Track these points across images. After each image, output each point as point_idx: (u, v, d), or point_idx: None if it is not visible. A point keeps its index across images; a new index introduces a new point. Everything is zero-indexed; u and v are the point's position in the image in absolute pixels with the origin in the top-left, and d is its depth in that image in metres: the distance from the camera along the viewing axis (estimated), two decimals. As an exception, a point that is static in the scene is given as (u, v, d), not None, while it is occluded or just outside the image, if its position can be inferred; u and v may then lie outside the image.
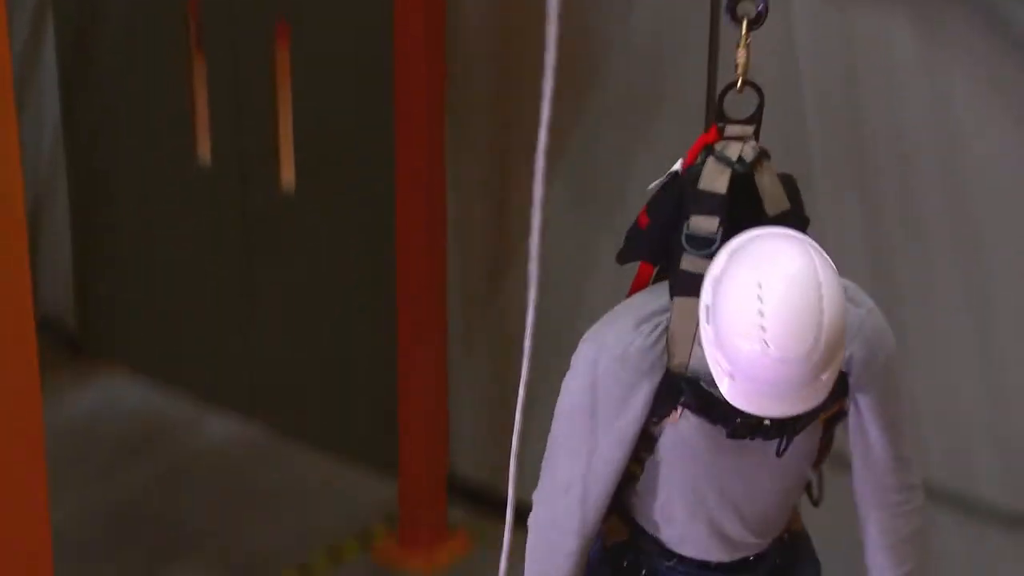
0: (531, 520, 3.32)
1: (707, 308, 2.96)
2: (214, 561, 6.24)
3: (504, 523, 2.88)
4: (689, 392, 3.13)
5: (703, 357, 3.04)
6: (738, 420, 3.09)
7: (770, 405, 2.96)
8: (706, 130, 3.27)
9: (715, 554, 3.38)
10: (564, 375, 3.24)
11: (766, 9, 3.15)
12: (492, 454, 6.34)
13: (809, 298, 2.87)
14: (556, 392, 3.25)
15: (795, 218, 3.17)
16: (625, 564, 3.45)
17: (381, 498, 6.55)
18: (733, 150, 3.15)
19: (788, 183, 3.20)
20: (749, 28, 3.15)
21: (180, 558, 6.25)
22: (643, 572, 3.44)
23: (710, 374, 3.01)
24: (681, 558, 3.39)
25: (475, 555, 6.27)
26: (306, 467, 6.84)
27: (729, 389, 2.97)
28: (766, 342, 2.86)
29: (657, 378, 3.13)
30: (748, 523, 3.34)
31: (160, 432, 7.06)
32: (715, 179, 3.12)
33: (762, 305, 2.86)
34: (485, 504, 6.39)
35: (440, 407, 6.25)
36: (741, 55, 3.16)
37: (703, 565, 3.39)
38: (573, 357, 3.20)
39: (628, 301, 3.25)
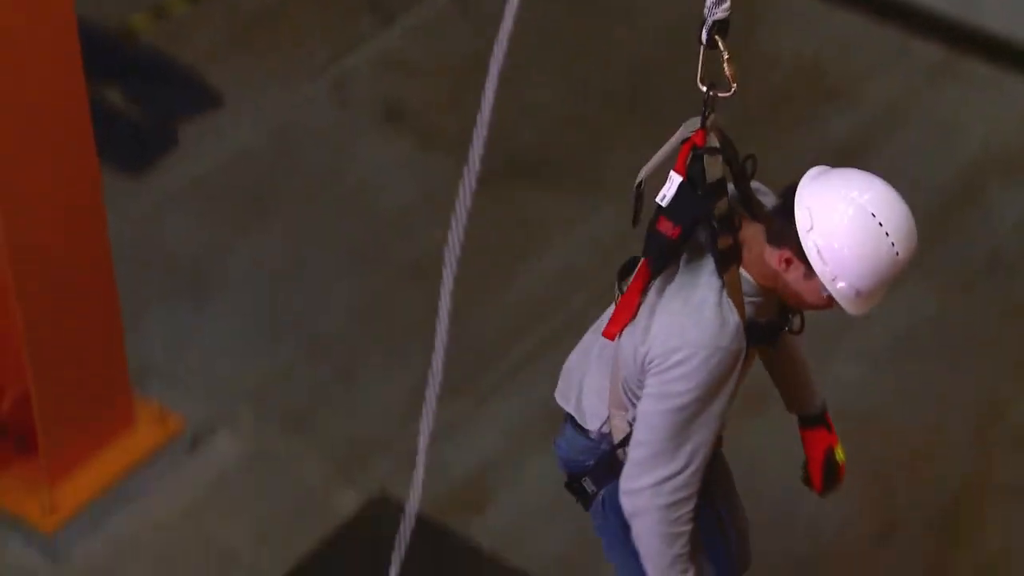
0: (647, 505, 3.74)
1: (818, 250, 3.51)
2: None
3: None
4: (752, 335, 3.66)
5: (747, 304, 3.64)
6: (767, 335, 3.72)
7: (878, 300, 3.61)
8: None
9: None
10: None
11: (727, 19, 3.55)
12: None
13: (904, 205, 3.56)
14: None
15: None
16: None
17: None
18: (713, 140, 3.64)
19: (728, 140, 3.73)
20: (724, 39, 3.56)
21: None
22: None
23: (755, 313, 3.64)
24: None
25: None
26: None
27: (853, 305, 3.57)
28: (896, 250, 3.51)
29: (744, 340, 3.63)
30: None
31: None
32: (715, 169, 3.61)
33: (882, 221, 3.50)
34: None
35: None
36: (729, 68, 3.58)
37: None
38: (668, 372, 3.62)
39: (676, 302, 3.64)
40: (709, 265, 3.65)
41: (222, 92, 7.37)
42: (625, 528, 3.93)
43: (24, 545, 5.64)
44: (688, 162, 3.61)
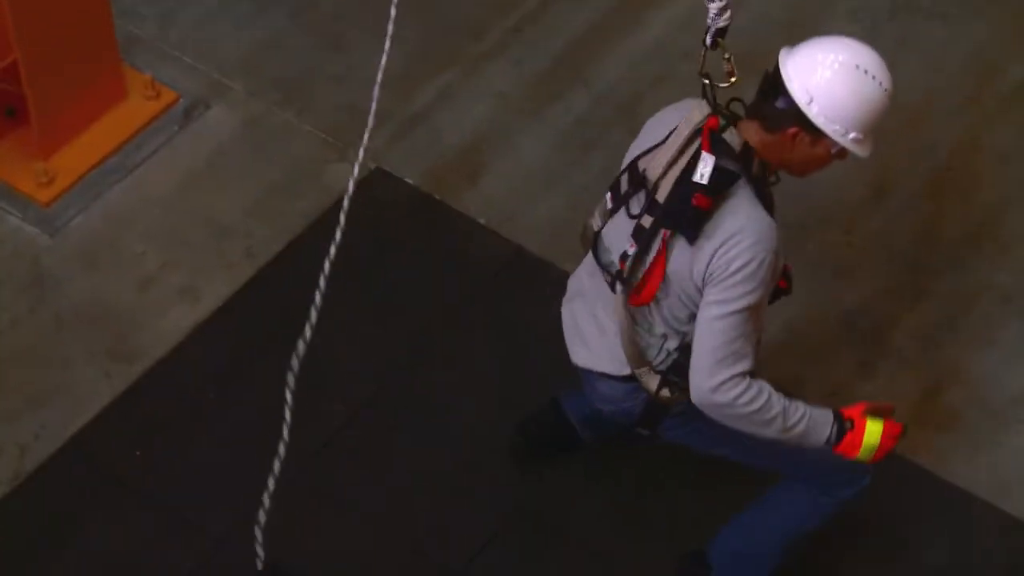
0: (726, 399, 4.01)
1: (824, 115, 3.91)
2: None
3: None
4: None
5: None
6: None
7: (873, 141, 4.03)
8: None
9: None
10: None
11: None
12: None
13: (871, 48, 4.00)
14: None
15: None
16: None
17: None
18: (722, 121, 4.06)
19: None
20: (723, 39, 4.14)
21: None
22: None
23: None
24: None
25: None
26: None
27: (863, 148, 4.01)
28: (884, 88, 3.95)
29: None
30: None
31: None
32: (735, 139, 4.03)
33: (866, 68, 3.93)
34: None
35: None
36: (729, 66, 4.15)
37: None
38: (732, 278, 3.95)
39: (727, 222, 3.98)
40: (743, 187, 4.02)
41: None
42: (718, 426, 4.13)
43: (20, 217, 5.68)
44: (711, 144, 3.99)
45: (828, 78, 3.92)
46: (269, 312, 5.41)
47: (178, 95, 5.96)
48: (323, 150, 5.90)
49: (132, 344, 5.36)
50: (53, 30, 5.47)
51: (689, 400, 4.12)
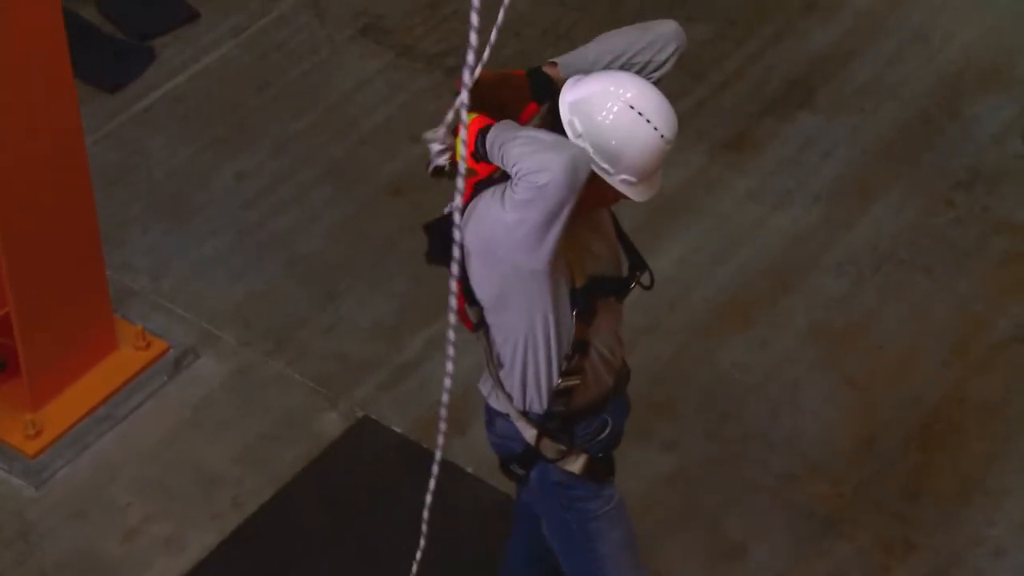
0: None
1: (592, 150, 3.79)
2: None
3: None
4: None
5: None
6: None
7: (657, 184, 3.93)
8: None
9: None
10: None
11: None
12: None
13: (657, 92, 3.86)
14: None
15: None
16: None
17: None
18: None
19: None
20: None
21: None
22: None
23: None
24: None
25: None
26: None
27: (637, 191, 3.88)
28: (660, 133, 3.81)
29: None
30: None
31: None
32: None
33: (641, 111, 3.80)
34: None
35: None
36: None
37: None
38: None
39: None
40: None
41: (199, 7, 7.32)
42: (561, 508, 4.23)
43: (7, 470, 5.66)
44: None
45: (602, 115, 3.82)
46: (255, 563, 5.36)
47: (168, 345, 5.99)
48: (313, 399, 5.91)
49: (116, 597, 5.32)
50: (47, 285, 5.53)
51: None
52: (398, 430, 5.81)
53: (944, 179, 6.70)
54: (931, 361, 6.08)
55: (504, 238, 3.88)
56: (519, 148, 3.78)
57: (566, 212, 3.76)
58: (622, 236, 4.22)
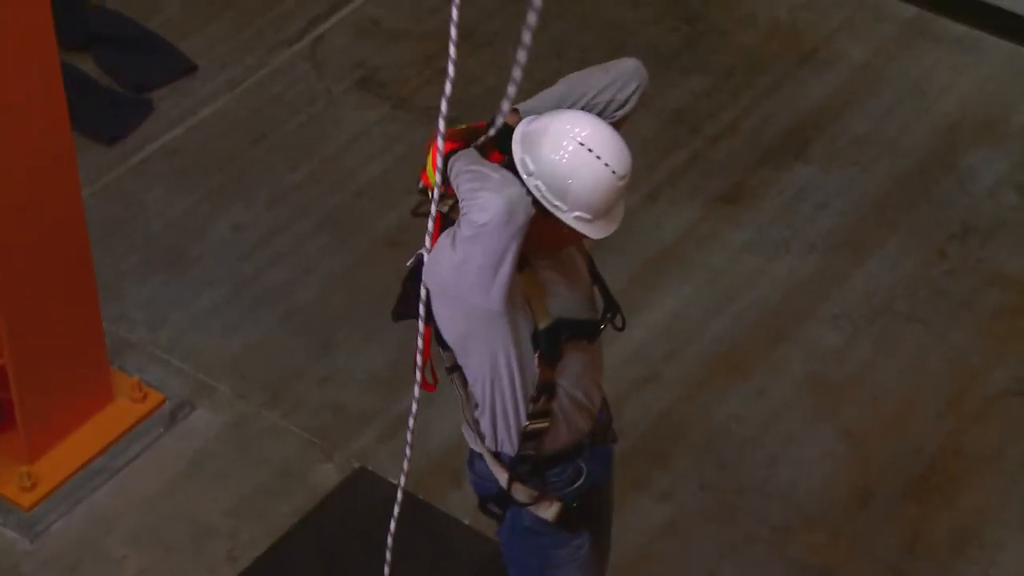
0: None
1: (544, 190, 3.79)
2: None
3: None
4: None
5: None
6: None
7: (616, 221, 3.91)
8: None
9: None
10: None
11: None
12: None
13: (612, 131, 3.85)
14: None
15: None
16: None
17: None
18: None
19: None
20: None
21: None
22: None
23: None
24: None
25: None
26: None
27: (592, 229, 3.85)
28: (611, 170, 3.80)
29: None
30: None
31: None
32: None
33: (592, 148, 3.80)
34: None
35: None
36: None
37: None
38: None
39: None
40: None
41: (196, 60, 7.35)
42: (526, 553, 4.27)
43: (1, 523, 5.65)
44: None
45: (555, 153, 3.81)
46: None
47: (164, 397, 5.99)
48: (309, 451, 5.90)
49: (109, 650, 5.30)
50: (44, 337, 5.53)
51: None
52: (394, 481, 5.79)
53: (939, 231, 6.72)
54: (927, 413, 6.08)
55: (455, 277, 3.88)
56: (466, 184, 3.79)
57: (512, 251, 3.75)
58: (597, 278, 4.19)
